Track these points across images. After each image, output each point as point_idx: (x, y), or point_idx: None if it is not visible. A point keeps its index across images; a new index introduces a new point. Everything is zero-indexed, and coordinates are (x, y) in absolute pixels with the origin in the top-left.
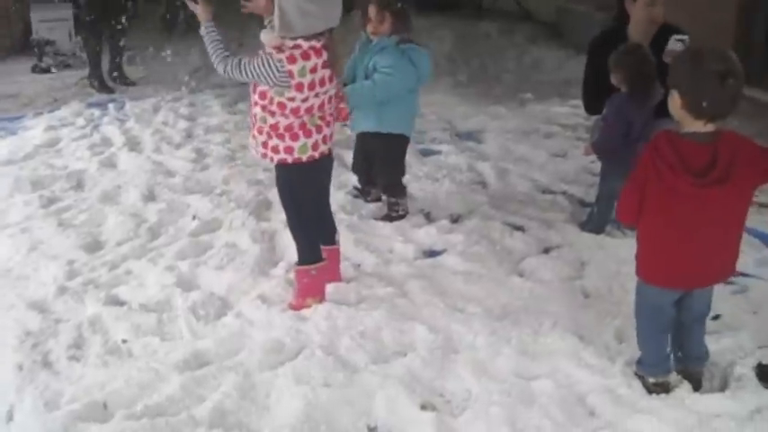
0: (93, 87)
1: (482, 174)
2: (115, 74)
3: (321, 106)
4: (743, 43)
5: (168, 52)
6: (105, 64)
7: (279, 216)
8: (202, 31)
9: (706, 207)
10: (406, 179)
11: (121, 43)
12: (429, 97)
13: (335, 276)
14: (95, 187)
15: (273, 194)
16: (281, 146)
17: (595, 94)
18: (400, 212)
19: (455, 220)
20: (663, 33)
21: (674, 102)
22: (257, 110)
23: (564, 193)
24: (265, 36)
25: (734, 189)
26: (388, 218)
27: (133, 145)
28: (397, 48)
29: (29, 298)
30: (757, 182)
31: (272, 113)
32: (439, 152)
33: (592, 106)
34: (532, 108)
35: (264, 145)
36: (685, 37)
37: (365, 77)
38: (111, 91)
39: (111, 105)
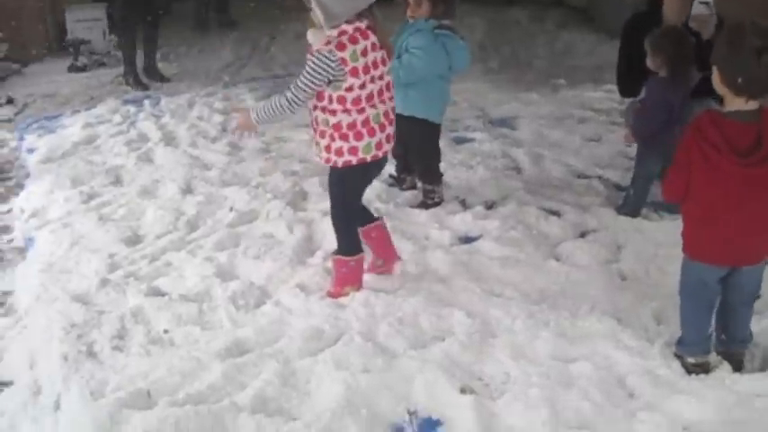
0: (128, 85)
1: (516, 160)
2: (150, 71)
3: (380, 93)
4: None
5: (201, 48)
6: (139, 62)
7: (315, 206)
8: (254, 117)
9: (751, 186)
10: (441, 167)
11: (155, 41)
12: (461, 85)
13: (391, 255)
14: (133, 182)
15: (309, 185)
16: (345, 147)
17: (630, 77)
18: (436, 200)
19: (490, 206)
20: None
21: (715, 78)
22: (317, 113)
23: (599, 177)
24: (312, 36)
25: None
26: (424, 205)
27: (169, 140)
28: (431, 32)
29: (72, 291)
30: None
31: (333, 112)
32: (473, 139)
33: (627, 89)
34: (565, 94)
35: (327, 148)
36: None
37: (398, 57)
38: (146, 88)
39: (146, 102)
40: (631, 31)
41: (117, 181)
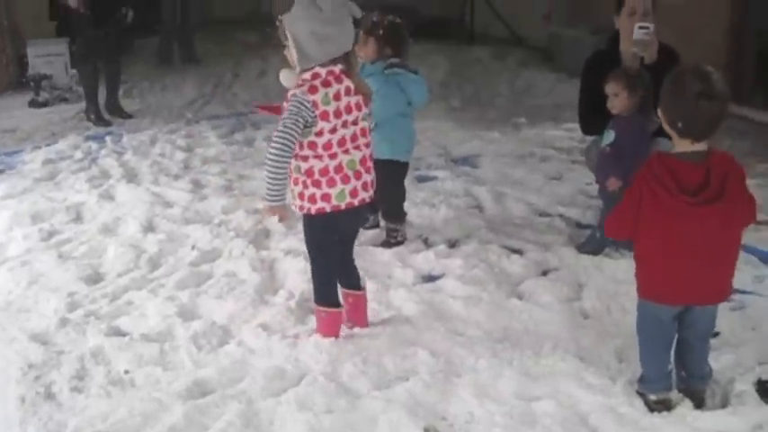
0: (90, 121)
1: (478, 198)
2: (112, 107)
3: (354, 139)
4: (733, 64)
5: (164, 84)
6: (102, 97)
7: (278, 245)
8: (269, 201)
9: (701, 225)
10: (404, 206)
11: (117, 76)
12: (423, 123)
13: (361, 321)
14: (95, 219)
15: (272, 223)
16: (318, 194)
17: (592, 115)
18: (399, 239)
19: (453, 244)
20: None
21: (662, 120)
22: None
23: (560, 215)
24: (284, 76)
25: (727, 207)
26: (387, 244)
27: (131, 177)
28: (381, 73)
29: (30, 330)
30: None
31: (305, 158)
32: (435, 178)
33: (589, 127)
34: (527, 132)
35: (301, 196)
36: (649, 25)
37: None
38: (108, 124)
39: (108, 138)
40: (592, 68)
41: (78, 218)
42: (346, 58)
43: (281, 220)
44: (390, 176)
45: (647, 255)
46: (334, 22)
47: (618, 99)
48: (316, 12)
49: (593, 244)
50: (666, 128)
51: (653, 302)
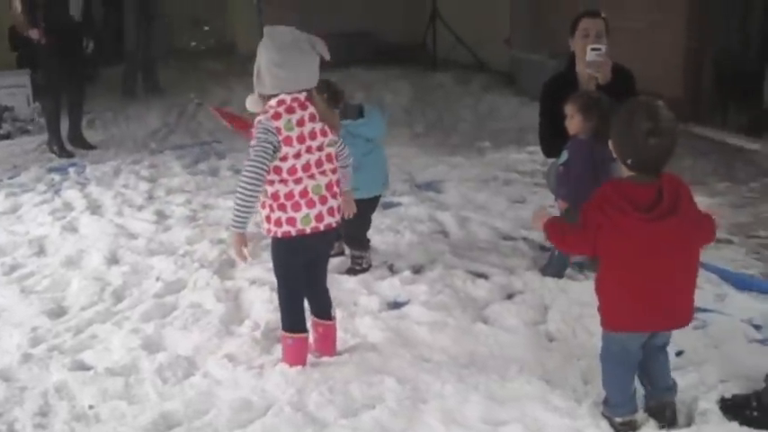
0: (53, 152)
1: (443, 223)
2: (75, 138)
3: (319, 164)
4: (692, 84)
5: (127, 115)
6: (64, 129)
7: (243, 275)
8: (234, 229)
9: (659, 242)
10: (368, 233)
11: (80, 107)
12: (387, 150)
13: (329, 351)
14: (58, 252)
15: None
16: (284, 217)
17: (552, 137)
18: (363, 265)
19: (418, 270)
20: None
21: (613, 153)
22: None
23: (524, 239)
24: (250, 102)
25: (682, 221)
26: (352, 271)
27: (95, 208)
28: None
29: None
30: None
31: (271, 182)
32: (399, 204)
33: (551, 150)
34: (490, 156)
35: (268, 219)
36: (601, 47)
37: None
38: (71, 155)
39: (71, 170)
40: (550, 92)
41: (40, 251)
42: (309, 92)
43: (238, 250)
44: (362, 209)
45: (610, 286)
46: (290, 58)
47: (573, 120)
48: (273, 43)
49: (554, 266)
50: (618, 162)
51: (621, 333)
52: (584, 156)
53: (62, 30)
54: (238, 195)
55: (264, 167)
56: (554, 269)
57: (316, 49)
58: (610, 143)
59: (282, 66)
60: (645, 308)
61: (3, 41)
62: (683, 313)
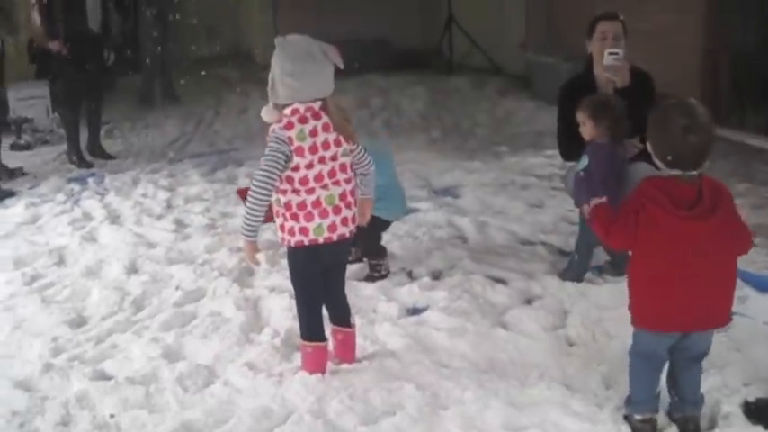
0: (72, 163)
1: (461, 228)
2: (94, 148)
3: (332, 174)
4: (710, 86)
5: (145, 124)
6: (83, 139)
7: (262, 283)
8: (244, 237)
9: (697, 242)
10: (386, 239)
11: (98, 117)
12: (404, 155)
13: (349, 358)
14: (78, 262)
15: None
16: (297, 227)
17: (570, 140)
18: (382, 272)
19: (437, 276)
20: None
21: (652, 152)
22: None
23: (543, 243)
24: (265, 112)
25: (722, 223)
26: (371, 278)
27: (114, 218)
28: None
29: (14, 377)
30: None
31: (284, 192)
32: (417, 210)
33: (569, 153)
34: (507, 160)
35: (281, 228)
36: (618, 51)
37: None
38: (90, 165)
39: (90, 180)
40: (567, 94)
41: (61, 261)
42: (324, 100)
43: (250, 257)
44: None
45: (644, 283)
46: (303, 67)
47: (585, 128)
48: (285, 53)
49: (574, 269)
50: (657, 161)
51: (651, 332)
52: (604, 159)
53: (81, 41)
54: (248, 204)
55: (274, 176)
56: (573, 273)
57: (329, 58)
58: (648, 144)
59: (295, 75)
60: (675, 307)
61: (22, 54)
62: (718, 315)
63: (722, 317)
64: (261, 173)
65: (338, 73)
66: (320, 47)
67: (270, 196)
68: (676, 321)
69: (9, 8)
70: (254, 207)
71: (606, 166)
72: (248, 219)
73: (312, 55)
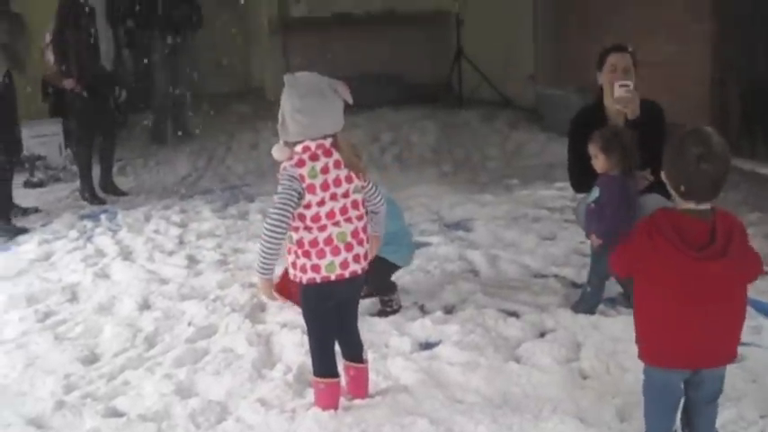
0: (84, 199)
1: (473, 262)
2: (106, 185)
3: (344, 211)
4: (720, 116)
5: (157, 160)
6: (96, 176)
7: (274, 318)
8: (259, 275)
9: (706, 281)
10: (397, 274)
11: (111, 154)
12: (416, 189)
13: (362, 393)
14: (90, 299)
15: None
16: (308, 264)
17: (581, 172)
18: (394, 307)
19: (449, 310)
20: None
21: (666, 182)
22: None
23: (555, 276)
24: (276, 150)
25: (732, 263)
26: (383, 313)
27: (126, 255)
28: None
29: (26, 414)
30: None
31: (296, 229)
32: (429, 244)
33: (579, 184)
34: (519, 193)
35: (294, 265)
36: (629, 83)
37: None
38: (102, 202)
39: (103, 216)
40: (578, 126)
41: (73, 298)
42: (334, 136)
43: (266, 294)
44: (382, 265)
45: (649, 317)
46: (312, 104)
47: (597, 160)
48: (295, 90)
49: (586, 302)
50: (671, 191)
51: (659, 368)
52: (616, 191)
53: (94, 79)
54: (262, 242)
55: (288, 214)
56: (586, 306)
57: (338, 94)
58: (662, 173)
59: (305, 112)
60: (687, 346)
61: (35, 92)
62: (727, 351)
63: (732, 351)
64: (275, 211)
65: (348, 108)
66: (329, 83)
67: (285, 234)
68: (682, 357)
69: (13, 44)
70: (270, 245)
71: (618, 197)
72: (264, 257)
73: (321, 91)
